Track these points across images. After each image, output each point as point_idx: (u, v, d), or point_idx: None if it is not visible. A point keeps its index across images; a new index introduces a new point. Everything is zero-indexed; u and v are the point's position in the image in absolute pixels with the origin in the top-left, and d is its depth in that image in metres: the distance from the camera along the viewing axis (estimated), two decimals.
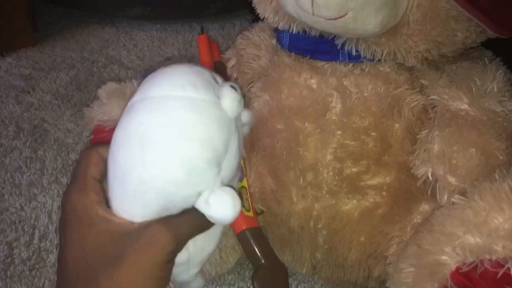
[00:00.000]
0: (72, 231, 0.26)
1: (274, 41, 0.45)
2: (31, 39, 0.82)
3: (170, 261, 0.25)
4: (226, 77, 0.47)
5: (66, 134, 0.63)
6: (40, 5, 0.89)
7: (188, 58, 0.80)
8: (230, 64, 0.49)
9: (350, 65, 0.39)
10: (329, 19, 0.34)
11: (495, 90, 0.36)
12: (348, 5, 0.33)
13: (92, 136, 0.44)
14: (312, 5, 0.34)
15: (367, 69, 0.39)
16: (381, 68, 0.38)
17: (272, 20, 0.42)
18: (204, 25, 0.90)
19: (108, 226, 0.26)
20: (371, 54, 0.38)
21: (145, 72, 0.36)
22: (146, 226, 0.25)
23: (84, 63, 0.78)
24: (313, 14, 0.35)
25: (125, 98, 0.42)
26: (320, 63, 0.40)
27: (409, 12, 0.34)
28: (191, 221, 0.26)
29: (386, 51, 0.37)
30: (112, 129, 0.28)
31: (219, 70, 0.47)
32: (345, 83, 0.39)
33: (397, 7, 0.34)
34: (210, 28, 0.89)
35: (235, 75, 0.48)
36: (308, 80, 0.40)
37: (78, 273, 0.25)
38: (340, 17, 0.34)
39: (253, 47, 0.47)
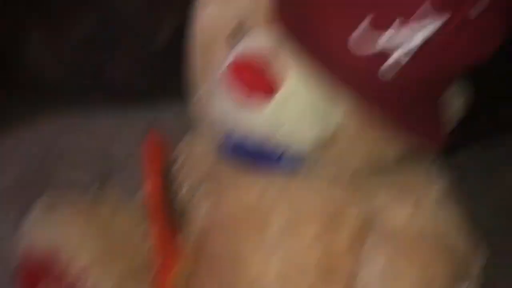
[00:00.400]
0: None
1: (218, 144, 0.45)
2: None
3: None
4: (171, 182, 0.46)
5: None
6: None
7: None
8: (175, 166, 0.48)
9: (291, 176, 0.38)
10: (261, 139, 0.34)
11: (437, 198, 0.35)
12: (279, 125, 0.33)
13: None
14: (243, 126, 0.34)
15: (307, 179, 0.38)
16: (320, 180, 0.38)
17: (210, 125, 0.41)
18: (164, 106, 0.89)
19: None
20: (309, 166, 0.37)
21: None
22: None
23: (36, 152, 0.76)
24: None
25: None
26: (260, 172, 0.39)
27: (341, 129, 0.34)
28: None
29: (323, 164, 0.37)
30: None
31: (164, 174, 0.46)
32: (286, 194, 0.38)
33: (330, 123, 0.34)
34: (170, 109, 0.88)
35: (182, 177, 0.48)
36: (248, 191, 0.39)
37: None
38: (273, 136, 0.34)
39: (199, 150, 0.47)
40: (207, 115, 0.40)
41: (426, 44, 0.29)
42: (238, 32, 0.35)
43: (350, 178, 0.37)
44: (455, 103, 0.37)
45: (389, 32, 0.28)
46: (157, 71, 0.84)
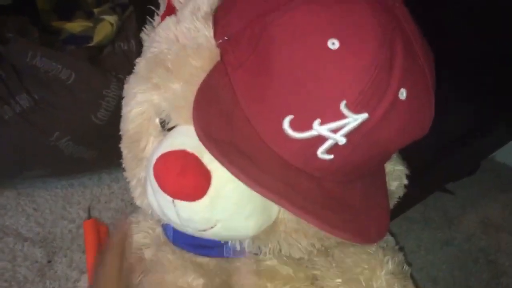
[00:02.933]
0: None
1: (160, 230, 0.42)
2: None
3: None
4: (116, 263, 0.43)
5: None
6: None
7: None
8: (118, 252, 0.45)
9: (236, 261, 0.36)
10: (198, 231, 0.32)
11: (384, 284, 0.34)
12: (215, 218, 0.31)
13: None
14: (179, 218, 0.32)
15: (253, 265, 0.36)
16: (268, 263, 0.36)
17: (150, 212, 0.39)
18: (114, 176, 0.86)
19: None
20: (256, 249, 0.35)
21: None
22: None
23: None
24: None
25: None
26: (205, 260, 0.37)
27: (283, 212, 0.33)
28: None
29: (270, 246, 0.35)
30: None
31: (105, 258, 0.43)
32: (232, 282, 0.36)
33: (268, 211, 0.32)
34: (120, 178, 0.86)
35: (121, 263, 0.44)
36: (193, 282, 0.36)
37: None
38: (210, 228, 0.32)
39: (142, 235, 0.43)
40: (144, 206, 0.38)
41: (353, 132, 0.28)
42: (164, 127, 0.34)
43: (298, 260, 0.36)
44: (394, 182, 0.37)
45: (315, 125, 0.28)
46: (104, 141, 0.81)
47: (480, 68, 0.74)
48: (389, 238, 0.40)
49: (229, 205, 0.31)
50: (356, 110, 0.28)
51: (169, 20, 0.35)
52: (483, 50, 0.71)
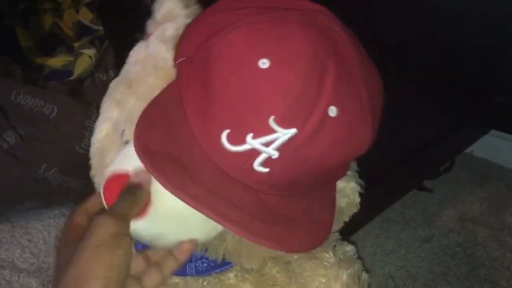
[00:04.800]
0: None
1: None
2: None
3: (121, 235, 0.31)
4: None
5: None
6: None
7: None
8: None
9: (200, 279, 0.39)
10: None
11: None
12: (161, 232, 0.34)
13: None
14: None
15: (216, 283, 0.39)
16: (230, 280, 0.38)
17: None
18: None
19: None
20: (215, 254, 0.38)
21: None
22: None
23: None
24: None
25: None
26: (172, 279, 0.40)
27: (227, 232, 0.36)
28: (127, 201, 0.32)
29: (224, 253, 0.37)
30: None
31: None
32: None
33: (213, 223, 0.33)
34: None
35: None
36: None
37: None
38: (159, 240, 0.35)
39: None
40: None
41: (284, 146, 0.30)
42: (122, 140, 0.36)
43: (250, 266, 0.38)
44: (344, 199, 0.39)
45: (248, 139, 0.30)
46: (86, 172, 0.84)
47: (443, 73, 0.78)
48: (347, 248, 0.42)
49: (170, 220, 0.33)
50: (284, 125, 0.30)
51: (141, 44, 0.39)
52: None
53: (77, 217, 0.36)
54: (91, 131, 0.82)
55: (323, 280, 0.38)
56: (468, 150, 0.97)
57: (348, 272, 0.38)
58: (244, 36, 0.32)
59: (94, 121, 0.81)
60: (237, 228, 0.30)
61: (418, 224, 0.82)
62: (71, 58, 0.94)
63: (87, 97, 0.87)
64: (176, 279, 0.39)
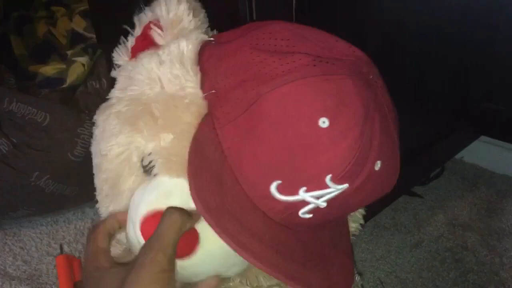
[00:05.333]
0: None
1: None
2: None
3: (168, 271, 0.31)
4: None
5: None
6: None
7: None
8: None
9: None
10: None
11: None
12: (202, 272, 0.35)
13: None
14: None
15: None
16: (230, 283, 0.38)
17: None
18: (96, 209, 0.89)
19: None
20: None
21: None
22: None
23: None
24: None
25: None
26: None
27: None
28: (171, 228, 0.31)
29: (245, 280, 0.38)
30: None
31: None
32: None
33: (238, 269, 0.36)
34: None
35: None
36: None
37: None
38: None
39: None
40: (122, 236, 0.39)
41: (333, 198, 0.31)
42: (146, 171, 0.35)
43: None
44: (353, 224, 0.40)
45: (300, 191, 0.31)
46: (83, 176, 0.85)
47: (434, 79, 0.79)
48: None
49: (215, 261, 0.34)
50: (339, 182, 0.31)
51: (150, 59, 0.36)
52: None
53: (101, 242, 0.35)
54: (83, 139, 0.84)
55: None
56: (458, 156, 0.98)
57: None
58: (303, 90, 0.31)
59: (87, 129, 0.84)
60: (296, 283, 0.32)
61: (408, 229, 0.83)
62: (64, 66, 0.95)
63: (79, 105, 0.87)
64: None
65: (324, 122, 0.30)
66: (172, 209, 0.32)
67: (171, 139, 0.34)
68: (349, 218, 0.40)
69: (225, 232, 0.31)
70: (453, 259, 0.76)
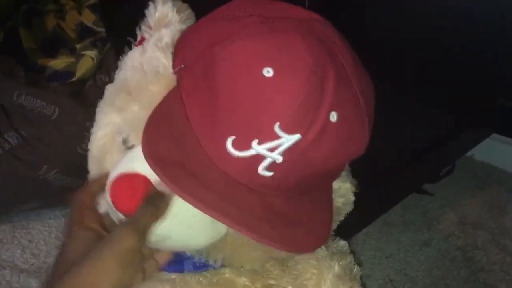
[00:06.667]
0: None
1: None
2: None
3: (135, 250, 0.31)
4: None
5: None
6: None
7: None
8: None
9: (198, 275, 0.39)
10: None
11: (330, 285, 0.37)
12: (165, 235, 0.35)
13: None
14: None
15: (212, 277, 0.39)
16: (226, 275, 0.39)
17: None
18: None
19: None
20: (213, 261, 0.39)
21: None
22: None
23: None
24: None
25: None
26: (169, 275, 0.40)
27: (229, 234, 0.36)
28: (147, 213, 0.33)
29: (222, 256, 0.38)
30: None
31: None
32: None
33: (217, 226, 0.35)
34: None
35: None
36: None
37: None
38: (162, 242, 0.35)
39: None
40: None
41: (288, 151, 0.31)
42: (125, 145, 0.37)
43: (251, 268, 0.39)
44: (340, 199, 0.40)
45: (254, 144, 0.31)
46: (87, 173, 0.85)
47: (445, 75, 0.78)
48: (340, 243, 0.43)
49: (178, 223, 0.34)
50: (289, 131, 0.31)
51: (136, 50, 0.40)
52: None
53: (85, 198, 0.36)
54: (91, 133, 0.84)
55: (315, 272, 0.38)
56: (469, 154, 0.97)
57: (340, 263, 0.39)
58: (248, 45, 0.32)
59: None
60: (250, 232, 0.31)
61: (418, 227, 0.82)
62: (73, 60, 0.95)
63: (88, 99, 0.87)
64: (173, 276, 0.39)
65: (268, 72, 0.31)
66: (153, 196, 0.33)
67: (139, 109, 0.36)
68: (336, 193, 0.40)
69: (175, 182, 0.31)
70: (463, 257, 0.75)
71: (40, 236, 0.84)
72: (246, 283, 0.38)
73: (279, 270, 0.39)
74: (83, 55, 0.95)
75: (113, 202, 0.34)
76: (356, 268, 0.41)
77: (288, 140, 0.31)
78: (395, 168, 0.74)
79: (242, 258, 0.37)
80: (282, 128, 0.31)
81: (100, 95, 0.88)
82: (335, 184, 0.40)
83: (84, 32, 1.05)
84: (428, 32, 0.69)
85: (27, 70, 0.99)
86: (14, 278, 0.74)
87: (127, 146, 0.37)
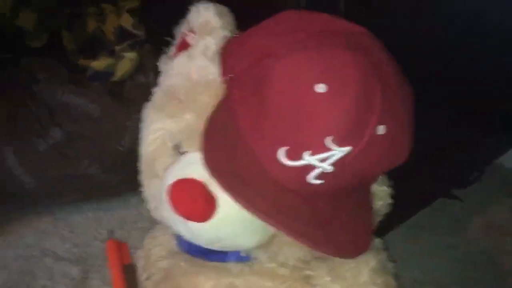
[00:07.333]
0: None
1: (174, 242, 0.48)
2: None
3: None
4: (136, 281, 0.49)
5: None
6: None
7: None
8: (140, 263, 0.51)
9: (241, 265, 0.42)
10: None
11: (367, 278, 0.39)
12: (221, 236, 0.38)
13: None
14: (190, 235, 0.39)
15: (255, 267, 0.42)
16: (268, 265, 0.41)
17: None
18: (139, 198, 0.93)
19: None
20: (257, 256, 0.41)
21: None
22: None
23: (17, 261, 0.79)
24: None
25: None
26: (213, 264, 0.43)
27: (276, 235, 0.39)
28: None
29: (267, 255, 0.41)
30: None
31: (129, 273, 0.49)
32: (237, 283, 0.41)
33: (266, 228, 0.38)
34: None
35: (145, 276, 0.50)
36: (203, 285, 0.42)
37: None
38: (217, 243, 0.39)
39: (159, 248, 0.50)
40: (159, 218, 0.44)
41: (339, 162, 0.33)
42: (176, 150, 0.40)
43: (294, 264, 0.41)
44: (379, 202, 0.42)
45: (306, 155, 0.33)
46: (129, 167, 0.89)
47: (478, 80, 0.78)
48: (376, 240, 0.45)
49: (233, 226, 0.37)
50: (341, 144, 0.33)
51: (182, 56, 0.42)
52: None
53: None
54: (131, 131, 0.88)
55: (353, 265, 0.40)
56: (498, 161, 0.97)
57: (377, 258, 0.41)
58: (299, 60, 0.34)
59: (134, 121, 0.86)
60: (307, 240, 0.34)
61: (445, 231, 0.83)
62: (112, 61, 1.00)
63: (128, 98, 0.91)
64: (215, 263, 0.42)
65: (320, 87, 0.33)
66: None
67: (192, 117, 0.39)
68: (375, 197, 0.42)
69: (232, 189, 0.34)
70: (490, 262, 0.76)
71: (79, 227, 0.88)
72: (286, 273, 0.41)
73: (316, 262, 0.41)
74: (122, 56, 0.99)
75: (174, 207, 0.37)
76: (390, 264, 0.43)
77: (339, 152, 0.33)
78: (425, 171, 0.75)
79: (287, 255, 0.40)
80: (334, 141, 0.33)
81: (139, 95, 0.93)
82: (373, 188, 0.42)
83: (123, 35, 1.09)
84: (459, 36, 0.70)
85: (69, 70, 1.04)
86: (57, 266, 0.78)
87: (179, 152, 0.40)
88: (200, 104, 0.39)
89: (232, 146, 0.36)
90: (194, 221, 0.36)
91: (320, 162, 0.33)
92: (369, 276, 0.40)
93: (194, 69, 0.40)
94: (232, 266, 0.42)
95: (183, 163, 0.39)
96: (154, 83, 0.47)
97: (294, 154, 0.34)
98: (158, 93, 0.43)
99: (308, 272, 0.41)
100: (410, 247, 0.80)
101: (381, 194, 0.42)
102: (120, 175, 0.89)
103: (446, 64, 0.74)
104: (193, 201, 0.36)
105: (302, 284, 0.41)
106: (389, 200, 0.43)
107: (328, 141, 0.33)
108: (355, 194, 0.39)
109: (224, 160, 0.35)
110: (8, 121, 0.89)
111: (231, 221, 0.37)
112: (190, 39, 0.42)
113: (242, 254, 0.41)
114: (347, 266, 0.40)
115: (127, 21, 1.12)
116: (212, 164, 0.35)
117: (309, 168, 0.34)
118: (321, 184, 0.34)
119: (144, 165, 0.44)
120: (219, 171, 0.35)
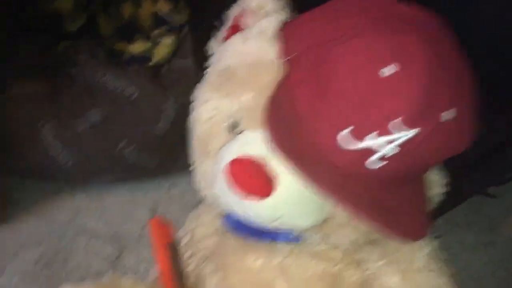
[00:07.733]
0: None
1: (222, 219, 0.49)
2: (1, 217, 0.84)
3: None
4: (179, 258, 0.49)
5: None
6: (8, 181, 0.93)
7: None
8: (183, 241, 0.51)
9: (292, 245, 0.42)
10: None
11: (422, 263, 0.39)
12: (278, 215, 0.38)
13: None
14: (246, 214, 0.39)
15: (305, 248, 0.41)
16: (320, 247, 0.41)
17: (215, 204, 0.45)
18: (172, 181, 0.94)
19: None
20: (310, 236, 0.41)
21: None
22: None
23: (51, 237, 0.80)
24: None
25: None
26: (263, 244, 0.43)
27: (332, 217, 0.39)
28: None
29: (320, 236, 0.40)
30: None
31: (172, 251, 0.49)
32: (287, 263, 0.41)
33: (323, 209, 0.38)
34: (178, 183, 0.93)
35: (189, 253, 0.50)
36: (252, 263, 0.42)
37: None
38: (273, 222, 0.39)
39: (203, 227, 0.50)
40: (209, 196, 0.44)
41: (405, 144, 0.33)
42: (234, 128, 0.40)
43: (346, 247, 0.41)
44: (434, 188, 0.42)
45: (371, 137, 0.33)
46: (164, 150, 0.91)
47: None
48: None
49: (290, 205, 0.37)
50: (410, 125, 0.33)
51: (237, 38, 0.42)
52: None
53: None
54: (166, 115, 0.89)
55: (406, 250, 0.41)
56: None
57: (431, 245, 0.42)
58: (363, 45, 0.34)
59: (170, 105, 0.88)
60: (369, 218, 0.34)
61: (481, 228, 0.82)
62: (150, 45, 1.00)
63: (165, 83, 0.92)
64: (268, 245, 0.42)
65: (385, 71, 0.33)
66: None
67: (252, 96, 0.39)
68: (430, 185, 0.42)
69: (304, 170, 0.34)
70: None
71: (113, 207, 0.89)
72: (338, 256, 0.41)
73: (368, 246, 0.41)
74: (159, 42, 1.00)
75: (234, 184, 0.37)
76: (444, 252, 0.42)
77: (407, 134, 0.33)
78: (463, 168, 0.74)
79: (340, 238, 0.40)
80: (405, 122, 0.32)
81: (176, 79, 0.93)
82: (429, 176, 0.41)
83: (158, 20, 1.10)
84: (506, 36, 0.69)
85: (105, 54, 1.05)
86: (92, 242, 0.79)
87: (235, 131, 0.40)
88: (260, 84, 0.39)
89: (291, 129, 0.36)
90: (254, 198, 0.36)
91: (386, 144, 0.33)
92: (424, 261, 0.39)
93: (251, 50, 0.40)
94: (282, 246, 0.42)
95: (241, 142, 0.39)
96: (193, 68, 0.47)
97: (358, 135, 0.33)
98: (212, 74, 0.43)
99: (360, 255, 0.41)
100: (446, 244, 0.78)
101: (437, 183, 0.42)
102: (154, 157, 0.90)
103: (489, 62, 0.73)
104: (254, 178, 0.36)
105: (354, 267, 0.41)
106: (442, 189, 0.43)
107: (397, 122, 0.32)
108: (411, 182, 0.38)
109: (286, 140, 0.35)
110: (47, 102, 0.90)
111: (289, 200, 0.37)
112: (244, 22, 0.42)
113: (294, 235, 0.41)
114: (401, 251, 0.40)
115: (163, 7, 1.13)
116: (278, 142, 0.35)
117: (369, 152, 0.34)
118: (380, 167, 0.34)
119: (196, 143, 0.44)
120: (285, 149, 0.35)
